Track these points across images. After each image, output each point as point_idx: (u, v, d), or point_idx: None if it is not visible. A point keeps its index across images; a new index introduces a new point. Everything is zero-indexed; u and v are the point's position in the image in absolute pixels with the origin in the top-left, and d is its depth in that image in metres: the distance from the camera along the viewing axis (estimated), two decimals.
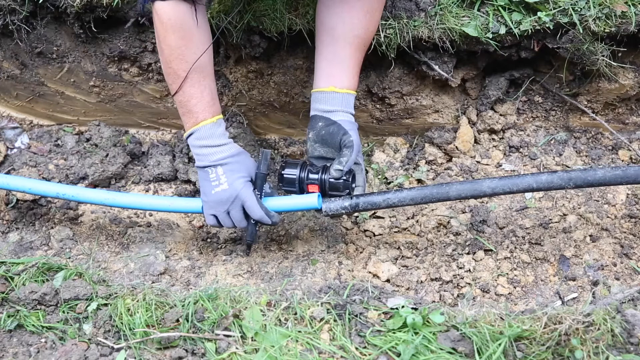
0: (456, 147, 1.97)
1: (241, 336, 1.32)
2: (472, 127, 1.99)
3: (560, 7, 1.66)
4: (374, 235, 1.82)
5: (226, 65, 1.94)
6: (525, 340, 1.22)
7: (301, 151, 2.12)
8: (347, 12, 1.54)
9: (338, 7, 1.54)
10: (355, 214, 1.87)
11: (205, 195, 1.58)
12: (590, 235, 1.76)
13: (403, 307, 1.35)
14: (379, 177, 1.95)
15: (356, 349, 1.28)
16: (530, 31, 1.69)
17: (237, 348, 1.29)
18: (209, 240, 1.90)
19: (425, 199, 1.55)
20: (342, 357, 1.27)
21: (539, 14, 1.67)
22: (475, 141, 2.00)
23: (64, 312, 1.44)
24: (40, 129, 2.18)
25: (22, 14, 1.80)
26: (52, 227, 1.88)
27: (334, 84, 1.59)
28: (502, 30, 1.70)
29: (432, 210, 1.85)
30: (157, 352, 1.32)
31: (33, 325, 1.42)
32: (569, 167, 1.92)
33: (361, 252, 1.77)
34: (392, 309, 1.37)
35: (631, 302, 1.32)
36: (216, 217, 1.59)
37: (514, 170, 1.94)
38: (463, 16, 1.72)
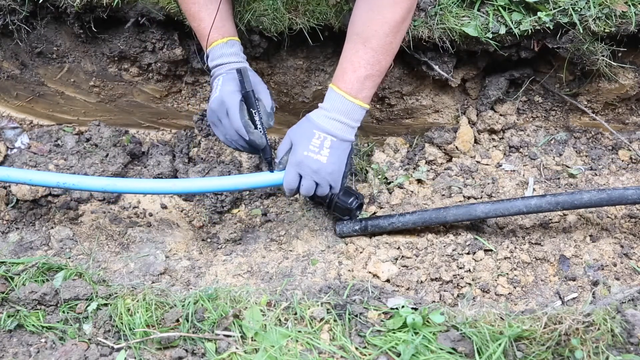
0: (456, 147, 1.97)
1: (241, 336, 1.32)
2: (472, 127, 1.99)
3: (560, 7, 1.66)
4: (374, 235, 1.82)
5: None
6: (525, 340, 1.22)
7: None
8: (361, 9, 1.49)
9: (358, 5, 1.50)
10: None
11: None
12: (590, 235, 1.76)
13: (403, 307, 1.35)
14: (379, 177, 1.95)
15: (356, 349, 1.28)
16: (530, 31, 1.69)
17: (237, 348, 1.29)
18: (209, 240, 1.90)
19: (425, 222, 1.72)
20: (342, 357, 1.27)
21: (539, 14, 1.67)
22: (475, 141, 2.00)
23: (64, 312, 1.44)
24: (40, 129, 2.18)
25: (22, 14, 1.80)
26: (52, 227, 1.88)
27: (333, 81, 1.56)
28: (502, 30, 1.70)
29: None
30: (157, 352, 1.32)
31: (33, 325, 1.42)
32: (569, 167, 1.92)
33: (361, 252, 1.77)
34: (392, 309, 1.37)
35: (631, 302, 1.32)
36: (216, 128, 1.64)
37: (514, 170, 1.94)
38: (463, 16, 1.72)
